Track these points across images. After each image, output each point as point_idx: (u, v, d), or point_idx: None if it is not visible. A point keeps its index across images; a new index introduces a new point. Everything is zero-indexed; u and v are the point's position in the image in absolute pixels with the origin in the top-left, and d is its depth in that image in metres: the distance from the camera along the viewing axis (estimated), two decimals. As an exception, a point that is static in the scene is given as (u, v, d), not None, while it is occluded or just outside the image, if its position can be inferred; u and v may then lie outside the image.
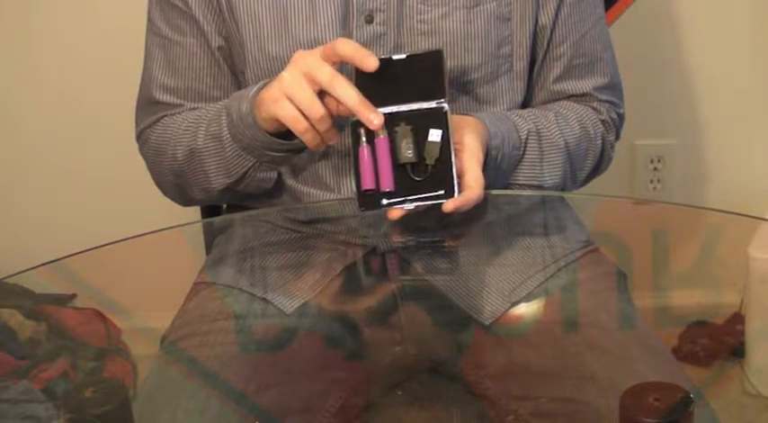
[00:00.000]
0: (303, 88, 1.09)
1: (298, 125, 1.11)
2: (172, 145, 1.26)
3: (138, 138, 1.34)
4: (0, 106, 2.05)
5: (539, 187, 1.26)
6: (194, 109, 1.27)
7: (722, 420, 1.02)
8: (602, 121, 1.32)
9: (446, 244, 1.27)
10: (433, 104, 1.13)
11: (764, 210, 1.88)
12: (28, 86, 2.04)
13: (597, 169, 1.34)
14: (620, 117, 1.35)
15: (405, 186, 1.12)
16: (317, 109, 1.10)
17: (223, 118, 1.19)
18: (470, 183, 1.11)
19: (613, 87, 1.34)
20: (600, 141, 1.31)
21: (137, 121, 1.34)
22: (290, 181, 1.28)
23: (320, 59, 1.10)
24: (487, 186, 1.14)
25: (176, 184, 1.29)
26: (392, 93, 1.12)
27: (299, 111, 1.10)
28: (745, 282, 1.51)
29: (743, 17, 1.99)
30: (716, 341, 1.34)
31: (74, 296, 1.43)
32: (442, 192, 1.11)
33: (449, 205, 1.10)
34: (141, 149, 1.33)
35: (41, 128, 2.07)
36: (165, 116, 1.29)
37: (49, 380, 1.27)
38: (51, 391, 1.20)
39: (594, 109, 1.31)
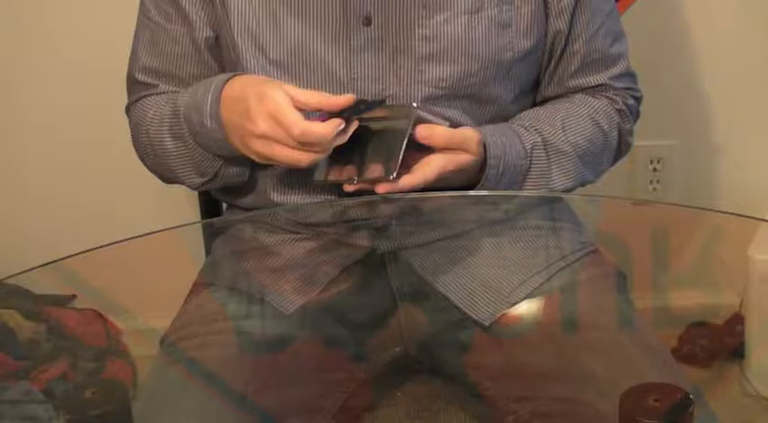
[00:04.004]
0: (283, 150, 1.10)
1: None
2: (145, 139, 1.27)
3: (126, 112, 1.34)
4: (0, 106, 2.05)
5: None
6: (166, 96, 1.27)
7: (722, 420, 1.02)
8: (618, 111, 1.30)
9: (446, 244, 1.26)
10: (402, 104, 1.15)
11: (764, 210, 1.88)
12: (28, 86, 2.04)
13: (617, 158, 1.34)
14: (638, 100, 1.34)
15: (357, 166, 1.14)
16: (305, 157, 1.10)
17: (184, 126, 1.20)
18: (415, 175, 1.12)
19: (629, 74, 1.33)
20: (615, 133, 1.30)
21: (127, 96, 1.34)
22: (273, 194, 1.27)
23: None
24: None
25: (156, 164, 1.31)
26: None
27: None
28: (744, 283, 1.51)
29: (743, 17, 1.99)
30: (715, 342, 1.34)
31: (74, 297, 1.43)
32: (383, 175, 1.13)
33: (380, 188, 1.12)
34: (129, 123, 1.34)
35: (41, 128, 2.07)
36: (144, 97, 1.29)
37: (48, 380, 1.27)
38: (51, 392, 1.20)
39: (609, 99, 1.30)
